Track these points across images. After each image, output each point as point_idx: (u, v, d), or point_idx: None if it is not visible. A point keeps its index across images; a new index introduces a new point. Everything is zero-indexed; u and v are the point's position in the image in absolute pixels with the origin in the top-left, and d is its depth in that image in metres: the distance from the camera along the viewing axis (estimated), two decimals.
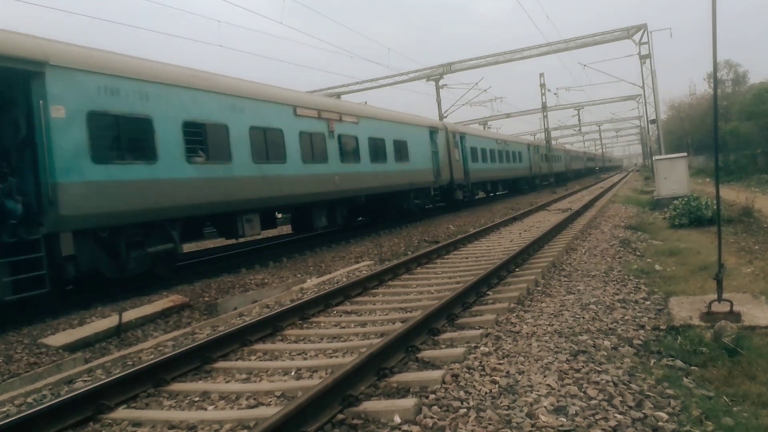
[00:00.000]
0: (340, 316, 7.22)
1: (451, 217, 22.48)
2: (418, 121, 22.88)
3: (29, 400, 5.12)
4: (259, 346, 6.02)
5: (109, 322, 7.61)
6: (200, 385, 4.95)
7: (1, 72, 8.14)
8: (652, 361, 4.78)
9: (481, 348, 5.11)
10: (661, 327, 5.68)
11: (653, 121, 35.45)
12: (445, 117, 39.95)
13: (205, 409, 4.42)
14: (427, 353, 5.08)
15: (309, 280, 10.29)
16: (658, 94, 34.56)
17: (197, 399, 4.64)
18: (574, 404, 3.82)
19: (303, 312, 7.07)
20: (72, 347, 6.89)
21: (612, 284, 7.69)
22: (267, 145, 13.29)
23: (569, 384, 4.16)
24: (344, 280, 9.69)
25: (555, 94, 53.74)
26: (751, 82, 60.66)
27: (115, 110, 9.65)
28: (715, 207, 9.06)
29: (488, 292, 7.36)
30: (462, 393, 4.11)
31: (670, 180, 19.30)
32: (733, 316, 5.59)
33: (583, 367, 4.49)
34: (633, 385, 4.16)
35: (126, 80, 9.92)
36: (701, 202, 14.48)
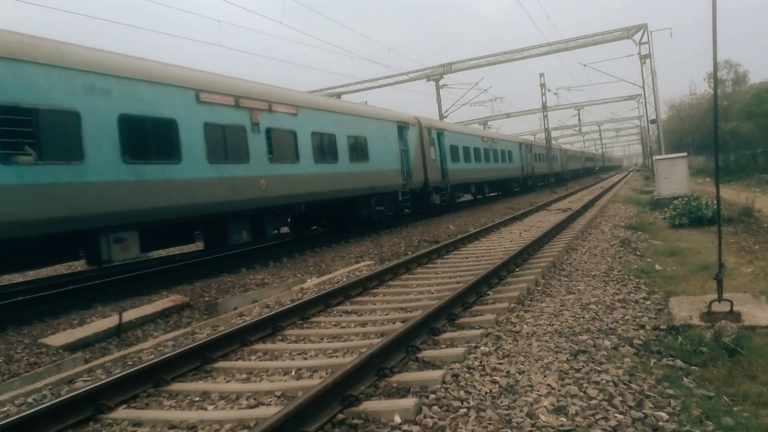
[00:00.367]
0: (341, 316, 7.22)
1: (451, 217, 22.47)
2: (382, 115, 19.59)
3: (29, 399, 5.12)
4: (260, 346, 6.02)
5: (109, 322, 7.61)
6: (200, 385, 4.95)
7: None
8: (653, 360, 4.78)
9: (482, 348, 5.11)
10: (662, 327, 5.68)
11: (653, 121, 35.46)
12: (445, 117, 39.98)
13: (206, 409, 4.42)
14: (427, 353, 5.08)
15: (309, 280, 10.29)
16: (659, 94, 34.58)
17: (197, 399, 4.64)
18: (574, 404, 3.82)
19: (303, 312, 7.07)
20: (72, 347, 6.89)
21: (612, 284, 7.69)
22: (149, 139, 10.21)
23: (569, 384, 4.16)
24: (344, 279, 9.69)
25: (555, 94, 53.77)
26: (751, 82, 60.65)
27: None
28: (715, 207, 9.06)
29: (488, 292, 7.36)
30: (462, 393, 4.11)
31: (670, 180, 19.30)
32: (734, 315, 5.59)
33: (584, 366, 4.49)
34: (633, 385, 4.16)
35: None
36: (701, 202, 14.48)
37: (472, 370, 4.54)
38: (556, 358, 4.70)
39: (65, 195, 8.62)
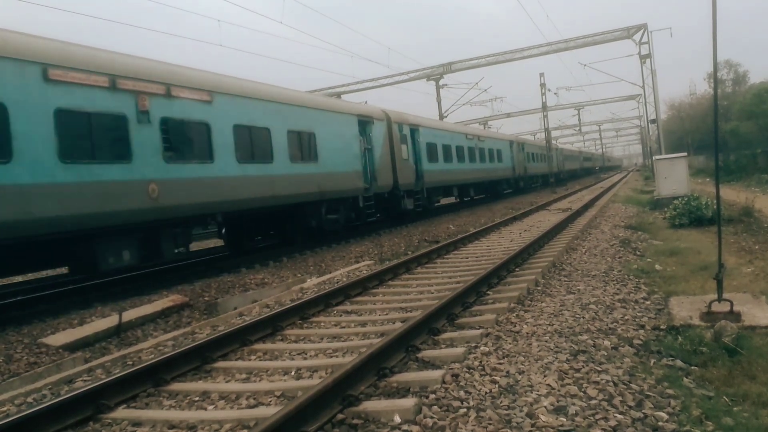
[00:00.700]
0: (340, 315, 7.22)
1: (451, 216, 22.46)
2: (337, 107, 16.94)
3: (29, 399, 5.12)
4: (259, 345, 6.02)
5: (109, 321, 7.61)
6: (200, 385, 4.95)
7: None
8: (652, 360, 4.78)
9: (481, 348, 5.11)
10: (661, 327, 5.67)
11: (653, 121, 35.48)
12: (446, 117, 39.99)
13: (205, 409, 4.42)
14: (427, 353, 5.08)
15: (309, 280, 10.29)
16: (659, 94, 34.60)
17: (197, 399, 4.64)
18: (574, 404, 3.82)
19: (303, 312, 7.07)
20: (72, 347, 6.89)
21: (612, 284, 7.69)
22: None
23: (569, 384, 4.16)
24: (344, 279, 9.69)
25: (555, 93, 53.67)
26: (751, 82, 60.72)
27: None
28: (715, 207, 9.06)
29: (488, 292, 7.36)
30: (462, 393, 4.11)
31: (670, 180, 19.30)
32: (734, 315, 5.59)
33: (583, 366, 4.49)
34: (633, 385, 4.16)
35: None
36: (701, 202, 14.48)
37: (471, 370, 4.54)
38: (556, 358, 4.70)
39: None
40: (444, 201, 28.37)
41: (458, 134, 26.89)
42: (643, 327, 5.72)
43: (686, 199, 15.28)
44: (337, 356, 5.43)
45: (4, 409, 4.92)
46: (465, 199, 29.88)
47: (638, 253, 10.47)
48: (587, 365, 4.52)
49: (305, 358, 5.47)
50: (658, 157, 23.12)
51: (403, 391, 4.28)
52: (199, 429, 3.99)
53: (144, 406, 4.62)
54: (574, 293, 7.19)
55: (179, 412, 4.40)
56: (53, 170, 8.44)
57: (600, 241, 11.72)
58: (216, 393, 4.69)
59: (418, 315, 5.79)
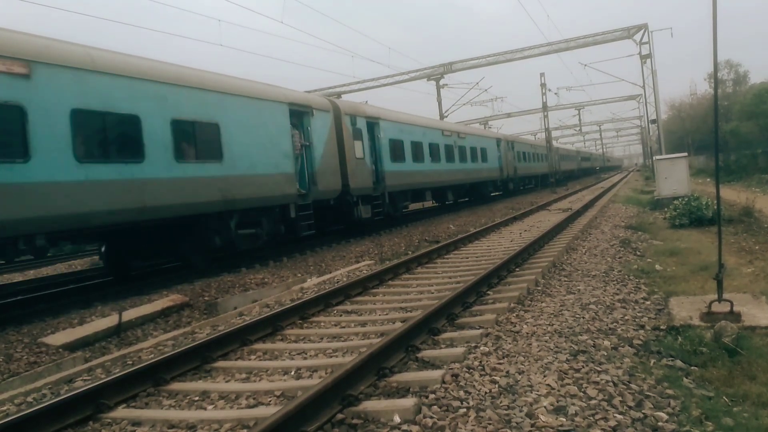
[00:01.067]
0: (341, 315, 7.21)
1: (451, 216, 22.45)
2: (256, 92, 12.95)
3: (29, 399, 5.12)
4: (259, 345, 6.02)
5: (109, 321, 7.61)
6: (200, 385, 4.95)
7: None
8: (652, 361, 4.78)
9: (481, 348, 5.11)
10: (661, 327, 5.67)
11: (654, 121, 35.46)
12: (446, 116, 39.98)
13: (205, 409, 4.42)
14: (427, 353, 5.08)
15: (309, 280, 10.29)
16: (659, 94, 34.58)
17: (197, 398, 4.64)
18: (573, 404, 3.81)
19: (303, 311, 7.07)
20: (72, 346, 6.89)
21: (612, 284, 7.69)
22: None
23: (569, 384, 4.16)
24: (344, 279, 9.69)
25: (556, 93, 53.72)
26: (751, 82, 60.72)
27: None
28: (715, 207, 9.06)
29: (488, 292, 7.36)
30: (462, 393, 4.11)
31: (670, 180, 19.29)
32: (734, 316, 5.59)
33: (583, 367, 4.49)
34: (633, 385, 4.16)
35: None
36: (702, 202, 14.48)
37: (471, 370, 4.54)
38: (556, 358, 4.69)
39: None
40: (413, 206, 25.50)
41: (432, 130, 23.47)
42: (643, 327, 5.72)
43: (686, 199, 15.28)
44: (337, 356, 5.43)
45: (4, 408, 4.92)
46: (447, 202, 27.08)
47: (638, 253, 10.47)
48: (587, 365, 4.52)
49: (305, 358, 5.47)
50: (658, 157, 23.12)
51: (402, 391, 4.28)
52: (199, 429, 3.99)
53: (144, 405, 4.62)
54: (574, 293, 7.19)
55: (179, 411, 4.40)
56: None
57: (600, 241, 11.72)
58: (216, 393, 4.69)
59: (418, 315, 5.79)
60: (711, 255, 8.56)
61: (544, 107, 41.49)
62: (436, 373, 4.45)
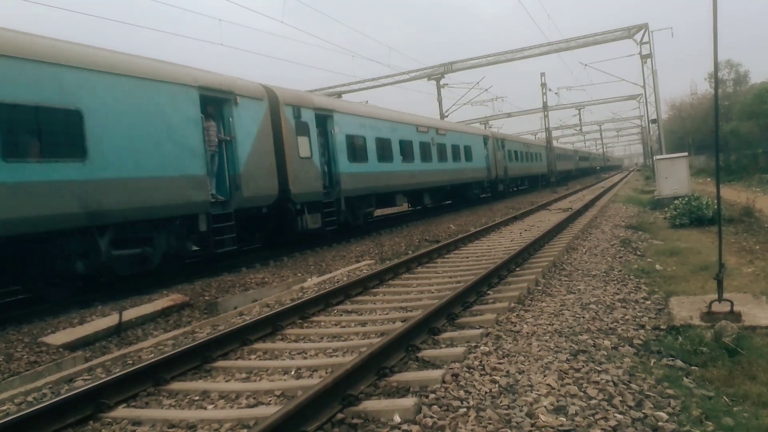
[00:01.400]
0: (341, 315, 7.22)
1: (452, 216, 22.44)
2: (145, 70, 10.11)
3: (29, 398, 5.12)
4: (259, 345, 6.02)
5: (109, 320, 7.61)
6: (200, 384, 4.95)
7: None
8: (653, 360, 4.78)
9: (482, 347, 5.11)
10: (662, 327, 5.68)
11: (654, 121, 35.44)
12: (446, 116, 39.97)
13: (205, 409, 4.42)
14: (427, 352, 5.08)
15: (309, 280, 10.29)
16: (659, 94, 34.52)
17: (197, 398, 4.64)
18: (573, 404, 3.81)
19: (303, 311, 7.07)
20: (72, 346, 6.89)
21: (612, 284, 7.69)
22: None
23: (569, 384, 4.16)
24: (345, 279, 9.69)
25: (556, 93, 53.66)
26: (752, 82, 60.66)
27: None
28: (715, 207, 9.05)
29: (489, 292, 7.36)
30: (462, 392, 4.11)
31: (670, 180, 19.30)
32: (734, 316, 5.59)
33: (583, 366, 4.49)
34: (633, 385, 4.16)
35: None
36: (702, 202, 14.48)
37: (472, 370, 4.54)
38: (556, 358, 4.69)
39: None
40: (380, 212, 22.95)
41: (404, 125, 20.54)
42: (643, 327, 5.73)
43: (687, 199, 15.28)
44: (337, 356, 5.43)
45: (5, 408, 4.92)
46: (428, 206, 24.06)
47: (639, 253, 10.47)
48: (587, 365, 4.52)
49: (305, 358, 5.47)
50: (658, 157, 23.11)
51: (403, 391, 4.28)
52: (199, 428, 3.99)
53: (144, 405, 4.62)
54: (575, 293, 7.19)
55: (179, 411, 4.40)
56: None
57: (600, 241, 11.72)
58: (216, 392, 4.69)
59: (418, 314, 5.79)
60: (711, 255, 8.56)
61: (545, 107, 41.49)
62: (437, 373, 4.45)
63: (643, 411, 3.74)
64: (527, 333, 5.50)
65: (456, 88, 45.07)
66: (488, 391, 4.13)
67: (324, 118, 15.52)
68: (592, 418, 3.63)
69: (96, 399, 4.45)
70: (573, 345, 5.02)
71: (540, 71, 40.38)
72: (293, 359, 5.46)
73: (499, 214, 21.67)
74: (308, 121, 14.47)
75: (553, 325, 5.70)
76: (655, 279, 8.05)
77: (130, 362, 5.97)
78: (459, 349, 5.03)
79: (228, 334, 5.94)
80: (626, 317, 6.03)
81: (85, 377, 5.62)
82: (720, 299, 5.84)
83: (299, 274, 10.99)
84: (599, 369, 4.45)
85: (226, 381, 5.06)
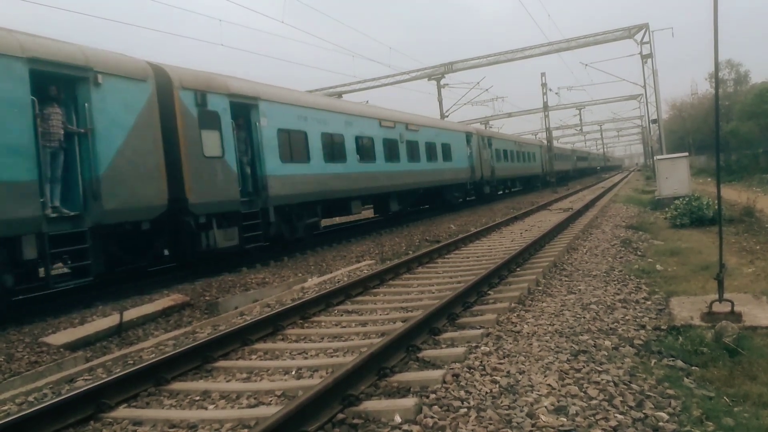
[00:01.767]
0: (341, 315, 7.22)
1: (452, 216, 22.42)
2: None
3: (30, 398, 5.12)
4: (260, 345, 6.02)
5: (110, 320, 7.61)
6: (201, 384, 4.96)
7: None
8: (653, 361, 4.78)
9: (482, 348, 5.11)
10: (662, 327, 5.68)
11: (654, 121, 35.46)
12: (447, 116, 39.96)
13: (206, 409, 4.42)
14: (427, 353, 5.08)
15: (310, 280, 10.29)
16: (660, 94, 34.52)
17: (198, 398, 4.64)
18: (574, 404, 3.82)
19: (304, 311, 7.07)
20: (73, 346, 6.89)
21: (613, 284, 7.69)
22: None
23: (570, 384, 4.16)
24: (345, 279, 9.69)
25: (556, 93, 53.63)
26: (752, 82, 60.65)
27: None
28: (716, 207, 9.05)
29: (489, 292, 7.36)
30: (462, 393, 4.11)
31: (671, 180, 19.29)
32: (734, 316, 5.59)
33: (584, 367, 4.49)
34: (634, 385, 4.16)
35: None
36: (702, 202, 14.48)
37: (472, 370, 4.54)
38: (557, 358, 4.70)
39: None
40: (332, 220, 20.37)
41: (363, 119, 17.76)
42: (643, 327, 5.73)
43: (687, 199, 15.28)
44: (337, 356, 5.43)
45: (6, 408, 4.93)
46: (398, 212, 20.89)
47: (639, 253, 10.47)
48: (588, 365, 4.52)
49: (306, 358, 5.47)
50: (659, 157, 23.11)
51: (403, 391, 4.28)
52: (200, 428, 3.99)
53: (145, 405, 4.63)
54: (575, 293, 7.19)
55: (180, 411, 4.40)
56: None
57: (601, 241, 11.72)
58: (217, 392, 4.69)
59: (418, 315, 5.79)
60: (712, 255, 8.55)
61: (545, 107, 41.47)
62: (437, 373, 4.46)
63: (643, 411, 3.74)
64: (528, 333, 5.50)
65: (456, 88, 45.12)
66: (489, 391, 4.13)
67: (246, 108, 12.56)
68: (592, 418, 3.63)
69: (97, 399, 4.46)
70: (574, 345, 5.02)
71: (540, 71, 40.39)
72: (294, 359, 5.47)
73: (500, 214, 21.66)
74: (219, 110, 11.45)
75: (553, 325, 5.70)
76: (655, 279, 8.05)
77: (131, 362, 5.98)
78: (459, 350, 5.03)
79: (229, 334, 5.95)
80: (627, 317, 6.03)
81: (85, 377, 5.62)
82: (720, 299, 5.84)
83: (300, 274, 11.00)
84: (600, 369, 4.45)
85: (227, 381, 5.06)
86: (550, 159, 43.58)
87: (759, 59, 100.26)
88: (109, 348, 6.99)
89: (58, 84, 8.87)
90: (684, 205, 14.55)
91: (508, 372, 4.47)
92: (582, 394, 3.99)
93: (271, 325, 6.48)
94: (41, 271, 8.75)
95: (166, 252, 11.25)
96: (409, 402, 3.91)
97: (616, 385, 4.15)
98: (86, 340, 7.10)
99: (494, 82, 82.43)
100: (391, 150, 19.23)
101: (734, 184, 29.36)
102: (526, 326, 5.74)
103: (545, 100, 40.50)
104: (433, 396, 4.08)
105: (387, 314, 6.95)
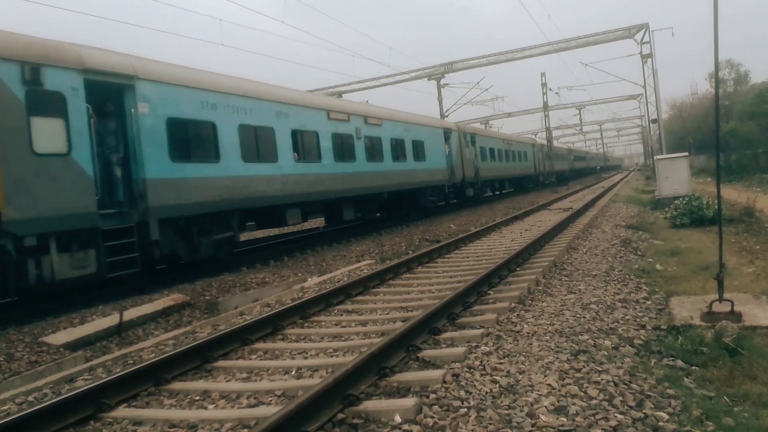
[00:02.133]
0: (341, 315, 7.22)
1: (452, 216, 22.41)
2: None
3: (30, 398, 5.12)
4: (260, 345, 6.02)
5: (110, 320, 7.61)
6: (201, 384, 4.96)
7: None
8: (653, 360, 4.78)
9: (482, 347, 5.11)
10: (662, 327, 5.68)
11: (654, 121, 35.44)
12: (446, 116, 39.96)
13: (206, 408, 4.42)
14: (427, 352, 5.08)
15: (310, 279, 10.29)
16: (660, 94, 34.49)
17: (198, 398, 4.64)
18: (574, 404, 3.82)
19: (304, 311, 7.07)
20: (73, 346, 6.89)
21: (613, 284, 7.69)
22: None
23: (570, 384, 4.16)
24: (345, 279, 9.69)
25: (556, 93, 53.52)
26: (752, 82, 60.71)
27: None
28: (716, 207, 9.06)
29: (489, 292, 7.36)
30: (462, 392, 4.11)
31: (671, 179, 19.29)
32: (734, 316, 5.59)
33: (584, 366, 4.49)
34: (634, 385, 4.16)
35: None
36: (702, 202, 14.48)
37: (472, 370, 4.54)
38: (557, 358, 4.70)
39: None
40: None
41: (301, 109, 14.54)
42: (643, 327, 5.73)
43: (687, 198, 15.28)
44: (337, 356, 5.43)
45: (6, 407, 4.92)
46: (353, 222, 17.80)
47: (639, 252, 10.47)
48: (588, 365, 4.52)
49: (306, 358, 5.47)
50: (659, 156, 23.11)
51: (403, 391, 4.28)
52: (200, 428, 3.99)
53: (145, 405, 4.63)
54: (575, 293, 7.19)
55: (180, 411, 4.40)
56: None
57: (601, 241, 11.72)
58: (217, 392, 4.69)
59: (418, 314, 5.79)
60: (712, 255, 8.55)
61: (545, 107, 41.50)
62: (437, 373, 4.46)
63: (643, 411, 3.74)
64: (528, 333, 5.50)
65: (456, 88, 45.13)
66: (489, 391, 4.13)
67: (118, 90, 9.67)
68: (592, 418, 3.63)
69: (97, 399, 4.46)
70: (574, 345, 5.02)
71: (540, 71, 40.50)
72: (294, 359, 5.47)
73: (500, 213, 21.65)
74: (65, 90, 8.56)
75: (553, 325, 5.70)
76: (655, 279, 8.05)
77: (131, 362, 5.97)
78: (459, 349, 5.03)
79: (229, 333, 5.95)
80: (627, 317, 6.03)
81: (85, 377, 5.62)
82: (720, 299, 5.84)
83: (300, 274, 11.00)
84: (600, 369, 4.45)
85: (227, 381, 5.06)
86: (544, 158, 41.49)
87: (759, 59, 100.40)
88: (109, 348, 6.99)
89: None
90: (684, 205, 14.55)
91: (508, 372, 4.47)
92: (582, 393, 3.99)
93: (271, 325, 6.48)
94: None
95: None
96: (409, 402, 3.91)
97: (616, 384, 4.15)
98: (86, 339, 7.10)
99: (494, 82, 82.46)
100: (344, 147, 16.23)
101: (734, 184, 29.36)
102: (526, 326, 5.74)
103: (545, 99, 40.58)
104: (433, 396, 4.08)
105: (387, 314, 6.95)
